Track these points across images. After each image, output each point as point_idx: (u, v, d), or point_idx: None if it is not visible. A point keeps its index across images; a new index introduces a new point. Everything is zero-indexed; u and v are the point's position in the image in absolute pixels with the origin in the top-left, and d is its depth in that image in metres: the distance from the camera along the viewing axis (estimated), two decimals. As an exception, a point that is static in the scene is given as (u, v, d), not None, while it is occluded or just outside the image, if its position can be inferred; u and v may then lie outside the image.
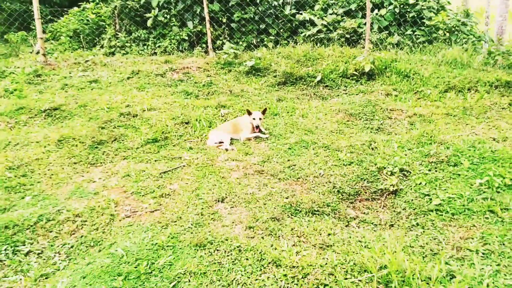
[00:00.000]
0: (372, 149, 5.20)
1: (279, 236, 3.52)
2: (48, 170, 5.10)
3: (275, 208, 3.96)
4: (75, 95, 8.13)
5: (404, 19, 10.46)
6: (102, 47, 12.46)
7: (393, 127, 6.10)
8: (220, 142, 5.76)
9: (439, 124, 5.90)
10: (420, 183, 4.20)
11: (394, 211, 3.94)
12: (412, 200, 4.01)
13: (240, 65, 9.37)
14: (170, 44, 11.28)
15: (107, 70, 10.03)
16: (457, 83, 7.62)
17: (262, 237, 3.51)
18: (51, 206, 4.19)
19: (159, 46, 11.46)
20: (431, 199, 3.96)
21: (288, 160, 5.05)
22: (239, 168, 4.94)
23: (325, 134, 5.85)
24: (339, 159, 4.94)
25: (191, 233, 3.63)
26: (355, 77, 8.34)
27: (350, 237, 3.50)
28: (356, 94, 7.70)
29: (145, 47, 11.74)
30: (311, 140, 5.58)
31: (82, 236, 3.77)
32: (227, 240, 3.47)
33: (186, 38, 11.18)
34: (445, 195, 3.95)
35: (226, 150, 5.55)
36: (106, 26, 12.61)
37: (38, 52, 10.78)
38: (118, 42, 12.01)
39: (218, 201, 4.17)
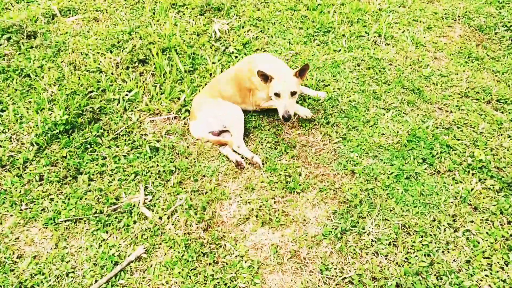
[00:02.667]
0: None
1: None
2: None
3: None
4: None
5: None
6: None
7: None
8: (220, 132, 2.52)
9: None
10: None
11: None
12: None
13: None
14: None
15: None
16: None
17: None
18: None
19: None
20: None
21: (407, 230, 1.98)
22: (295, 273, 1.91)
23: (455, 107, 2.62)
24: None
25: None
26: None
27: None
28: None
29: None
30: (434, 133, 2.39)
31: None
32: None
33: None
34: None
35: (240, 166, 2.32)
36: None
37: None
38: None
39: None
